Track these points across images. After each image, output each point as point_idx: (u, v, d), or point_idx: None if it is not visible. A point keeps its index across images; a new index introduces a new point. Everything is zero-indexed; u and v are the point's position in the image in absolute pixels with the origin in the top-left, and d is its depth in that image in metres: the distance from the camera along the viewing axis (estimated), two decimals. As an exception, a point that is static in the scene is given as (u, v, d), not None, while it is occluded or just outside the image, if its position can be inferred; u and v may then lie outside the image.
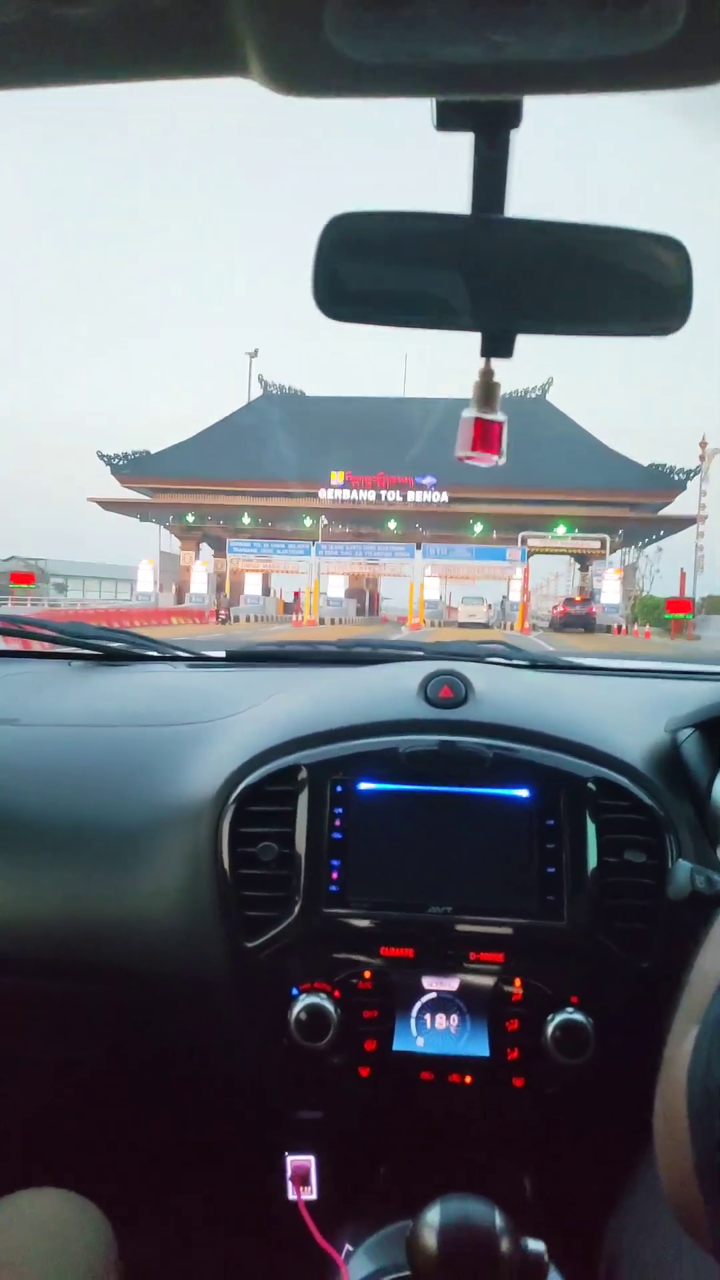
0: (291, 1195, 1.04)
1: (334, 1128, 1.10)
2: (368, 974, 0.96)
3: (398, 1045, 0.94)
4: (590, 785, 0.98)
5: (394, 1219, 0.96)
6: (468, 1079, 0.95)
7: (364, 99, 0.52)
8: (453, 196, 0.63)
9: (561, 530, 36.87)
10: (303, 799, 0.98)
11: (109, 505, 41.74)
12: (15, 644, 1.54)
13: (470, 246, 0.64)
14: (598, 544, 37.07)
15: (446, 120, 0.58)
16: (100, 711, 1.23)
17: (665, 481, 37.83)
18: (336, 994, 0.95)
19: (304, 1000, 0.93)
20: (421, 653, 1.37)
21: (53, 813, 1.06)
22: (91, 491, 42.43)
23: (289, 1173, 1.07)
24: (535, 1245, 0.74)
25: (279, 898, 0.97)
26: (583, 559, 41.10)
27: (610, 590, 34.59)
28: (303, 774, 0.99)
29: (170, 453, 41.48)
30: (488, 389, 0.70)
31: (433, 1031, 0.95)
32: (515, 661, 1.42)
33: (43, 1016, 1.10)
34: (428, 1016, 0.95)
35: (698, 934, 0.53)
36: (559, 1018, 0.92)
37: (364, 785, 0.99)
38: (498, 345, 0.67)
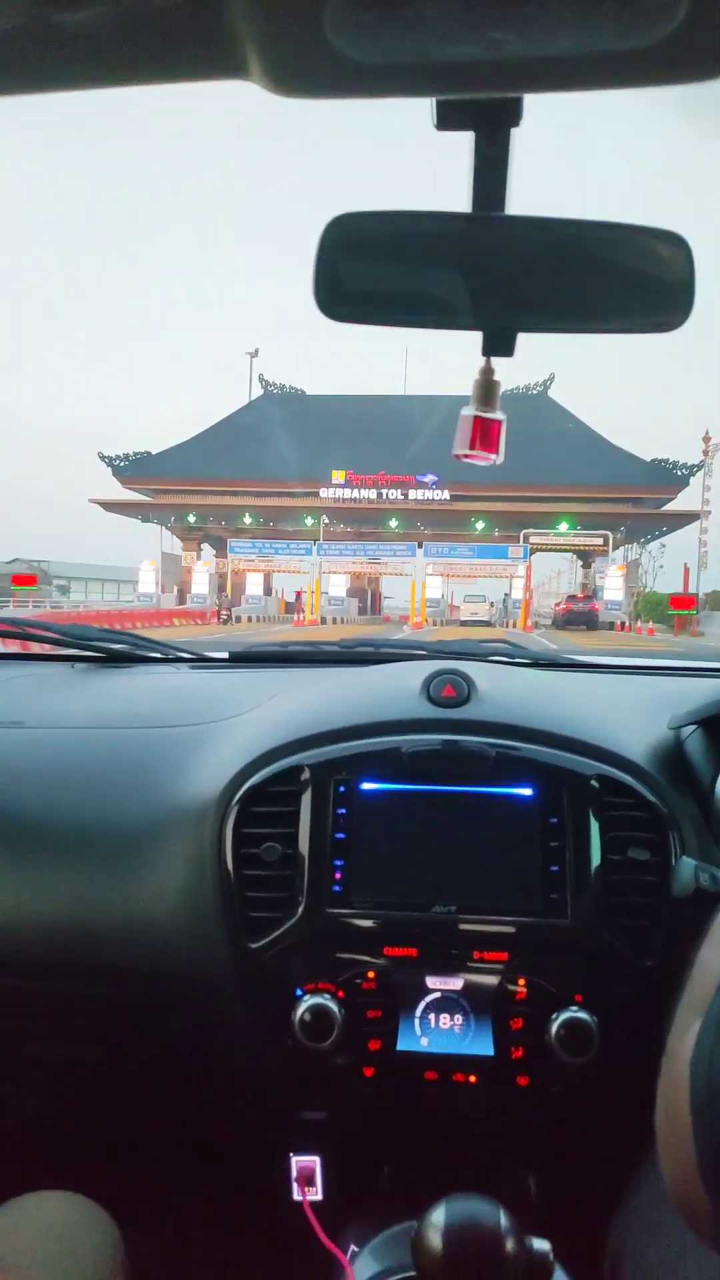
0: (296, 1196, 1.04)
1: (338, 1128, 1.10)
2: (371, 974, 0.96)
3: (402, 1045, 0.94)
4: (593, 783, 0.98)
5: (399, 1219, 0.96)
6: (472, 1078, 0.95)
7: (364, 99, 0.52)
8: (453, 196, 0.62)
9: (564, 527, 36.89)
10: (306, 799, 0.98)
11: (110, 506, 41.81)
12: (18, 646, 1.54)
13: (471, 245, 0.64)
14: (600, 540, 37.09)
15: (446, 119, 0.58)
16: (103, 713, 1.23)
17: (668, 477, 37.81)
18: (340, 994, 0.95)
19: (308, 1001, 0.93)
20: (424, 652, 1.37)
21: (56, 815, 1.06)
22: (93, 494, 42.57)
23: (294, 1173, 1.07)
24: (540, 1244, 0.74)
25: (282, 898, 0.97)
26: (585, 556, 41.13)
27: (613, 587, 34.51)
28: (306, 774, 0.99)
29: (171, 453, 41.49)
30: (487, 387, 0.70)
31: (437, 1031, 0.95)
32: (518, 660, 1.42)
33: (44, 1017, 1.10)
34: (432, 1016, 0.95)
35: (701, 931, 0.53)
36: (563, 1016, 0.92)
37: (367, 785, 0.99)
38: (499, 344, 0.66)
